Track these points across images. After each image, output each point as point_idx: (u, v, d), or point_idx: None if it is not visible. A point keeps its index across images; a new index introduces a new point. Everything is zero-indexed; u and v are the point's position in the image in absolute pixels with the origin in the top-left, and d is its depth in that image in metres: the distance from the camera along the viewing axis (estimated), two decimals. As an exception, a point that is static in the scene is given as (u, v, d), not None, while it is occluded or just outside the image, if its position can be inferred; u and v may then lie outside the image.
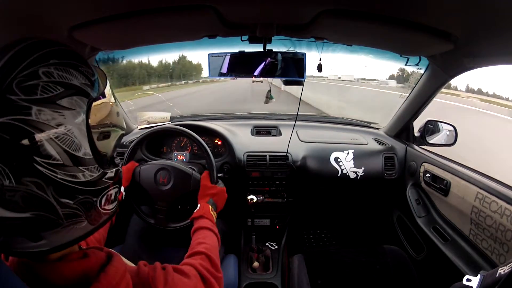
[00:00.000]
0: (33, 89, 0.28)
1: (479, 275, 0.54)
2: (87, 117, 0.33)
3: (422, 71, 1.20)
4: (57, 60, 0.31)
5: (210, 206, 0.85)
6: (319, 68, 1.00)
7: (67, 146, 0.31)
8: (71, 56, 0.33)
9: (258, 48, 0.96)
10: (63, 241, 0.35)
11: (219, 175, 1.03)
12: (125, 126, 0.41)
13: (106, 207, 0.39)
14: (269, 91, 1.11)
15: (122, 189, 0.94)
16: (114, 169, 0.39)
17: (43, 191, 0.30)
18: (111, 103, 0.38)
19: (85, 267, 0.38)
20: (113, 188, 0.40)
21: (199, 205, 0.87)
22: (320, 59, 0.99)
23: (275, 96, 1.13)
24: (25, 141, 0.28)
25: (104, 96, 0.37)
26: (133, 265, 0.53)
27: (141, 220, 1.07)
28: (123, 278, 0.40)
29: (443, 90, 1.19)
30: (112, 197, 0.40)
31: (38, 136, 0.28)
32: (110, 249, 0.47)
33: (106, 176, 0.37)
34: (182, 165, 1.04)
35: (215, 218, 0.85)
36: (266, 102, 1.14)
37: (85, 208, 0.35)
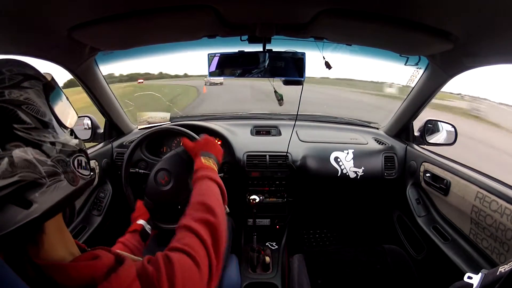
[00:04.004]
0: (2, 81, 0.37)
1: (480, 273, 0.54)
2: (46, 93, 0.42)
3: (421, 71, 1.21)
4: (12, 62, 0.41)
5: (202, 158, 0.83)
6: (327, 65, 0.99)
7: (35, 113, 0.39)
8: (18, 60, 0.43)
9: (258, 48, 0.96)
10: (52, 202, 0.38)
11: (219, 175, 1.02)
12: (74, 111, 0.50)
13: (81, 171, 0.45)
14: (276, 91, 1.09)
15: (142, 221, 0.93)
16: (76, 140, 0.46)
17: (24, 152, 0.36)
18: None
19: (93, 269, 0.39)
20: (82, 156, 0.46)
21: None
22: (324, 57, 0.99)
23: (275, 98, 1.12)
24: (4, 114, 0.36)
25: (54, 87, 0.46)
26: (138, 259, 0.52)
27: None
28: (133, 282, 0.41)
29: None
30: (83, 163, 0.46)
31: (13, 108, 0.36)
32: (120, 252, 0.46)
33: (71, 142, 0.44)
34: (166, 155, 1.04)
35: (215, 165, 0.83)
36: (280, 104, 1.10)
37: (61, 166, 0.40)
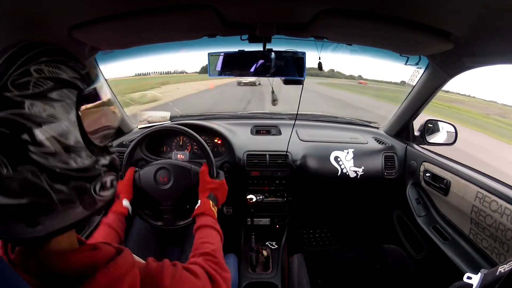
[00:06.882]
0: (26, 85, 0.31)
1: (479, 273, 0.54)
2: (77, 108, 0.35)
3: (421, 71, 1.21)
4: (47, 58, 0.34)
5: (211, 202, 0.85)
6: (319, 66, 0.99)
7: (58, 135, 0.33)
8: (60, 53, 0.36)
9: (258, 47, 0.96)
10: (59, 226, 0.35)
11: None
12: (117, 124, 0.43)
13: (102, 194, 0.40)
14: (273, 92, 1.10)
15: (127, 202, 0.93)
16: (108, 157, 0.41)
17: (37, 178, 0.31)
18: (105, 105, 0.40)
19: (94, 258, 0.39)
20: (108, 175, 0.41)
21: (199, 201, 0.86)
22: (319, 58, 0.99)
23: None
24: (20, 133, 0.30)
25: (97, 94, 0.38)
26: (142, 261, 0.53)
27: (143, 222, 1.06)
28: (131, 269, 0.41)
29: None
30: (108, 184, 0.41)
31: (31, 127, 0.31)
32: (120, 245, 0.47)
33: (100, 163, 0.38)
34: (179, 161, 1.04)
35: (216, 213, 0.85)
36: (274, 104, 1.13)
37: (79, 193, 0.36)
